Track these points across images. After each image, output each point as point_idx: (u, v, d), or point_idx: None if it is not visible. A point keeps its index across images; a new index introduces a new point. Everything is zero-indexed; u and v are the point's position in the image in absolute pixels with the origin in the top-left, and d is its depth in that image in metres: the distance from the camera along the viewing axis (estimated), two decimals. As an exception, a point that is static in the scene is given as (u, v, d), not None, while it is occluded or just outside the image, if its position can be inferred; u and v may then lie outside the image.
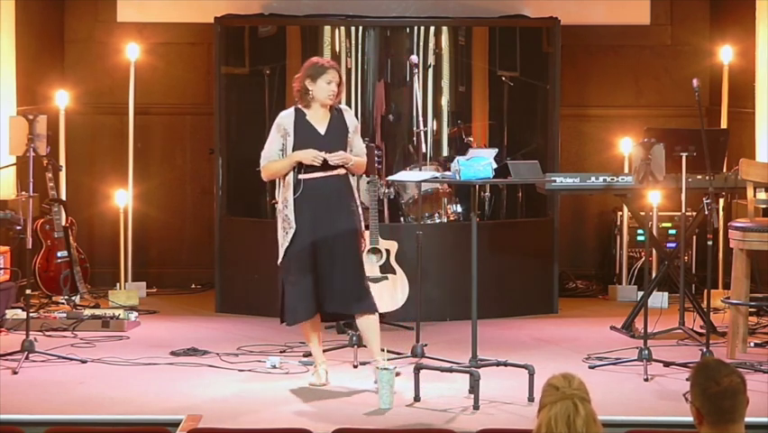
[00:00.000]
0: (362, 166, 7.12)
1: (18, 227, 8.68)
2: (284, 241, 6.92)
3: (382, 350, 6.99)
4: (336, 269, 6.92)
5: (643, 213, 8.28)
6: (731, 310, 7.77)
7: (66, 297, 9.20)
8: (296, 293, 6.91)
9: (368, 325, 7.03)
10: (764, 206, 8.49)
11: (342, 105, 7.12)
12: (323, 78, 6.94)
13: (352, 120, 7.10)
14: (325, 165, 6.89)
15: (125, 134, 9.97)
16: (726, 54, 9.87)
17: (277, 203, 9.35)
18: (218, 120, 9.55)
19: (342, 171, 6.96)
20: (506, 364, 6.81)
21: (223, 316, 9.25)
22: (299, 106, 7.01)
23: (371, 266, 8.48)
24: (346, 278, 6.94)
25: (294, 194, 6.91)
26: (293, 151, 6.90)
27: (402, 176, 7.06)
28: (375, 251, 8.50)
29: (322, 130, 6.97)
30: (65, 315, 8.60)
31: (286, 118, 6.99)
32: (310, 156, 6.87)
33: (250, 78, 9.85)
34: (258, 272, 9.16)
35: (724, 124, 9.64)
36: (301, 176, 6.90)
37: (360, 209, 7.09)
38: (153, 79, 10.34)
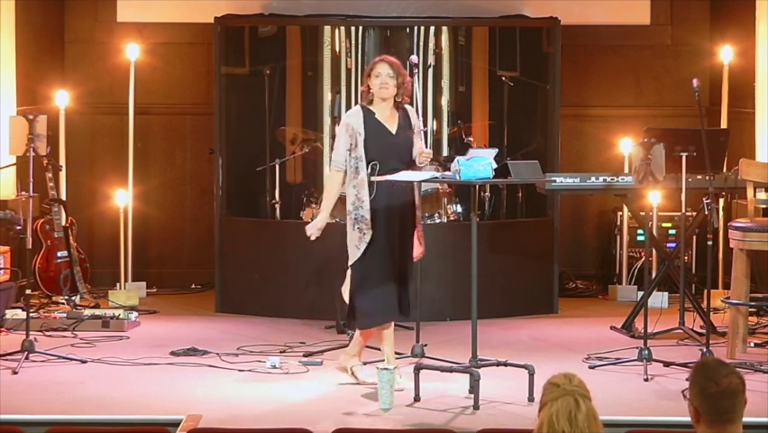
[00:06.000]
0: None
1: (18, 227, 8.67)
2: (359, 243, 6.76)
3: (380, 350, 6.97)
4: (408, 273, 6.89)
5: (643, 213, 8.27)
6: (731, 310, 7.76)
7: (66, 297, 9.20)
8: (373, 297, 6.80)
9: (391, 330, 7.04)
10: (764, 206, 8.49)
11: (408, 106, 6.96)
12: (373, 72, 6.88)
13: (416, 120, 6.94)
14: (398, 167, 6.77)
15: (125, 134, 9.97)
16: (726, 54, 9.87)
17: (278, 203, 9.47)
18: (218, 120, 9.55)
19: None
20: (506, 364, 6.80)
21: (223, 316, 9.24)
22: (365, 104, 6.88)
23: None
24: (409, 282, 6.93)
25: (369, 195, 6.77)
26: (365, 149, 6.75)
27: (402, 176, 7.03)
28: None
29: (393, 129, 6.86)
30: (65, 315, 8.59)
31: (353, 117, 6.85)
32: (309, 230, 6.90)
33: (250, 78, 9.85)
34: (258, 272, 9.16)
35: (724, 124, 9.64)
36: (374, 178, 6.78)
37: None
38: (153, 79, 10.34)
